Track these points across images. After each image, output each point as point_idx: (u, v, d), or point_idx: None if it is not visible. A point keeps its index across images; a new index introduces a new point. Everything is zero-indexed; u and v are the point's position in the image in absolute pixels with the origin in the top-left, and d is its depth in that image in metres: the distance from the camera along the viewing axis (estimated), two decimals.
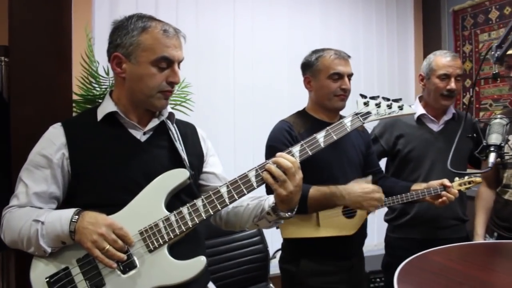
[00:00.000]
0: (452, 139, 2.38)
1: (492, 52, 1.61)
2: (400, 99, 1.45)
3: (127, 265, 1.28)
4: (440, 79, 2.30)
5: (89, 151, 1.36)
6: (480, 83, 3.55)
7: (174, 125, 1.50)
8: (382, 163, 2.52)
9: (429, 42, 3.84)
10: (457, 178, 2.12)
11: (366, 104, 1.42)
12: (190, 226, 1.32)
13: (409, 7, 3.98)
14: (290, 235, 2.04)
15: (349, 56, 2.08)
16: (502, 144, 1.56)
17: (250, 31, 3.32)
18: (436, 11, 3.87)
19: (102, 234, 1.23)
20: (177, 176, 1.37)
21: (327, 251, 2.00)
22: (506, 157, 1.60)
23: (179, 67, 1.39)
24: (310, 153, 1.35)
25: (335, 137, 1.36)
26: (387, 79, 3.87)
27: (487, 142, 1.59)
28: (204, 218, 1.32)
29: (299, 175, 1.31)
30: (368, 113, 1.41)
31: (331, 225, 1.99)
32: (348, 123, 1.39)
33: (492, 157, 1.54)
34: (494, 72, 1.62)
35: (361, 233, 2.09)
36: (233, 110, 3.25)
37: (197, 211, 1.32)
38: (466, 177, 2.15)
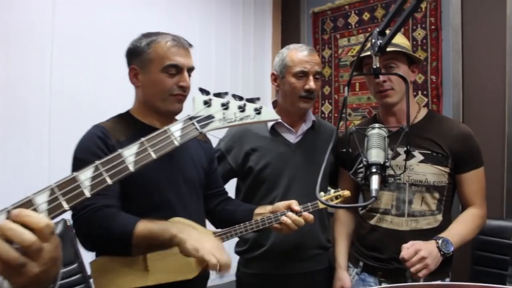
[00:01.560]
0: (312, 151, 1.98)
1: (374, 40, 1.22)
2: (258, 99, 0.98)
3: None
4: (296, 77, 1.92)
5: None
6: (338, 91, 3.34)
7: None
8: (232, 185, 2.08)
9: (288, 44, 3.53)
10: (322, 193, 1.74)
11: (207, 103, 0.91)
12: None
13: (267, 4, 3.62)
14: (108, 287, 1.47)
15: (190, 45, 1.62)
16: (387, 163, 1.17)
17: (74, 19, 2.60)
18: (296, 11, 3.57)
19: None
20: None
21: None
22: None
23: None
24: (109, 182, 0.78)
25: (154, 156, 0.82)
26: (241, 82, 3.45)
27: (367, 161, 1.20)
28: None
29: (52, 244, 0.75)
30: (210, 117, 0.89)
31: (165, 268, 1.49)
32: (176, 132, 0.85)
33: (375, 182, 1.13)
34: (375, 67, 1.23)
35: (203, 273, 1.59)
36: (49, 112, 2.50)
37: None
38: (332, 191, 1.78)
